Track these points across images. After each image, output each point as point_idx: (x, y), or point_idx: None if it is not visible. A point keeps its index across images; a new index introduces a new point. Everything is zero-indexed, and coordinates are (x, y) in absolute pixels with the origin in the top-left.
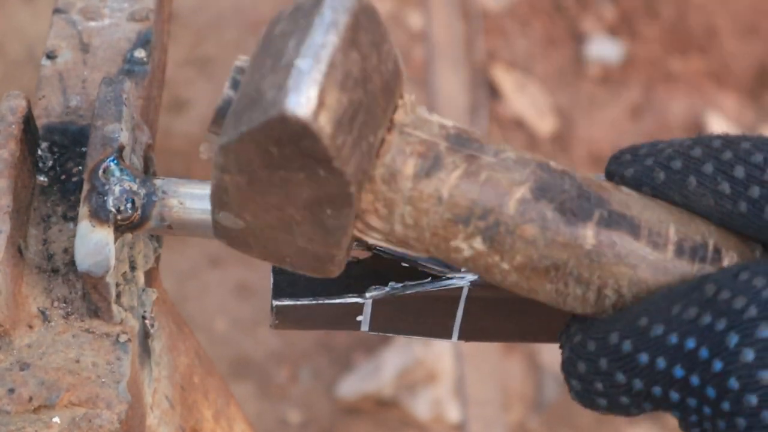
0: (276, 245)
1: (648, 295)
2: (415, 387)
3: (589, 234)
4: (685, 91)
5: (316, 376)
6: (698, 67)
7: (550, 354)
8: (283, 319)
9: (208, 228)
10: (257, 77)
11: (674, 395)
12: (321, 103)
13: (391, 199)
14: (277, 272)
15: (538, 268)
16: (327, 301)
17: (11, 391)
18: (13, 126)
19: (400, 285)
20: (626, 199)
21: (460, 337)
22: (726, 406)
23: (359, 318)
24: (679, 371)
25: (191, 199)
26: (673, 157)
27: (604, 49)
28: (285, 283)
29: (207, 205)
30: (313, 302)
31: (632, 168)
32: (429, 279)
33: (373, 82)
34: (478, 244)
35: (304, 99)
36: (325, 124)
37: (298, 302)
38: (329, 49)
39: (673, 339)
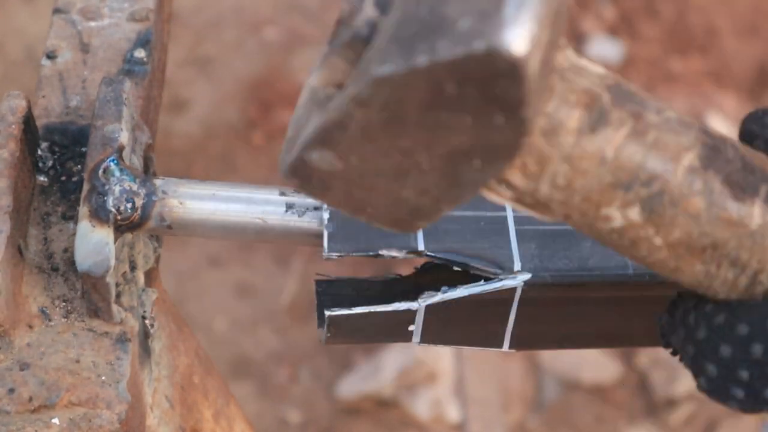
0: (366, 193)
1: None
2: (415, 387)
3: (756, 212)
4: (685, 91)
5: (316, 376)
6: (698, 67)
7: (551, 354)
8: (335, 331)
9: (208, 228)
10: None
11: None
12: (536, 40)
13: (548, 155)
14: (320, 289)
15: (694, 247)
16: (380, 309)
17: (11, 391)
18: (14, 126)
19: (453, 288)
20: None
21: (511, 345)
22: None
23: (411, 327)
24: None
25: (191, 199)
26: None
27: (604, 49)
28: (328, 299)
29: (207, 205)
30: (366, 311)
31: None
32: (481, 281)
33: (561, 16)
34: (635, 214)
35: (523, 33)
36: (534, 66)
37: (352, 311)
38: None
39: None
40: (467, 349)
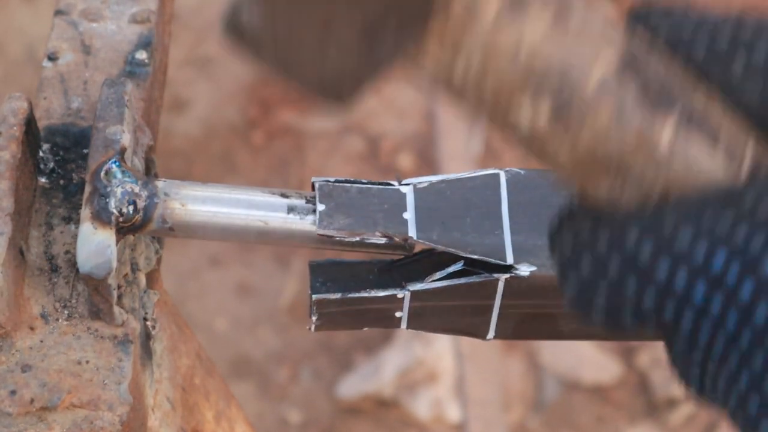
0: (294, 54)
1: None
2: (415, 387)
3: (666, 131)
4: None
5: (316, 376)
6: None
7: (551, 354)
8: (322, 315)
9: (209, 230)
10: None
11: (687, 316)
12: None
13: (465, 28)
14: (314, 272)
15: (598, 159)
16: (366, 294)
17: (13, 392)
18: (15, 128)
19: (438, 277)
20: (706, 101)
21: (497, 335)
22: (745, 337)
23: (398, 314)
24: (700, 290)
25: (193, 201)
26: (718, 33)
27: None
28: (320, 283)
29: (209, 208)
30: (352, 296)
31: (666, 27)
32: (464, 272)
33: None
34: (542, 120)
35: None
36: None
37: (338, 296)
38: None
39: (701, 251)
40: (468, 349)
